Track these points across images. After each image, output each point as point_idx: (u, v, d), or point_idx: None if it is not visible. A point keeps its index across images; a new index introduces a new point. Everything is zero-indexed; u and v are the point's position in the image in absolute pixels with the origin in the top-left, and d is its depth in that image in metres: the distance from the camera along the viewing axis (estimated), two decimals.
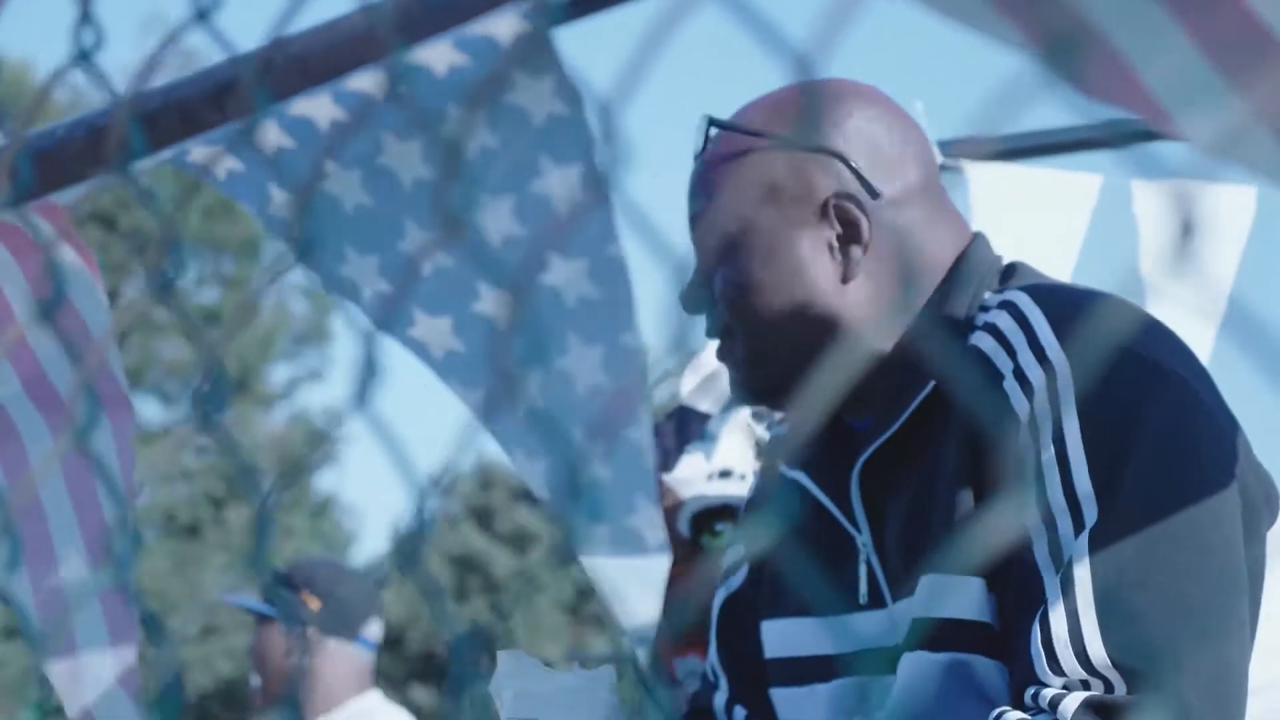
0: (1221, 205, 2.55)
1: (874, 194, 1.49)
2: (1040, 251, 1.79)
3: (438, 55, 1.35)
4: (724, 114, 1.55)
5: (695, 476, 1.87)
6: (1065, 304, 1.41)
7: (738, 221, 1.52)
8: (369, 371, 0.93)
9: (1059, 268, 2.32)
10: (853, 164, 1.49)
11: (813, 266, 1.49)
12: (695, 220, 1.55)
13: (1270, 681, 1.38)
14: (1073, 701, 1.28)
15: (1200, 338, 2.43)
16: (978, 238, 1.54)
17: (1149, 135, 2.61)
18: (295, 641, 3.52)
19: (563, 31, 1.31)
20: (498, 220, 1.40)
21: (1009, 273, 1.51)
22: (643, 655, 1.89)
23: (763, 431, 1.87)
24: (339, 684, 3.52)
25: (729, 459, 1.87)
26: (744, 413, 1.89)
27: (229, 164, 1.47)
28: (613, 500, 1.37)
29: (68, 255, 1.74)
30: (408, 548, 0.87)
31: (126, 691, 1.73)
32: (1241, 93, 0.78)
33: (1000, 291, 1.46)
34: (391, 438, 0.93)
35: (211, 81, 1.43)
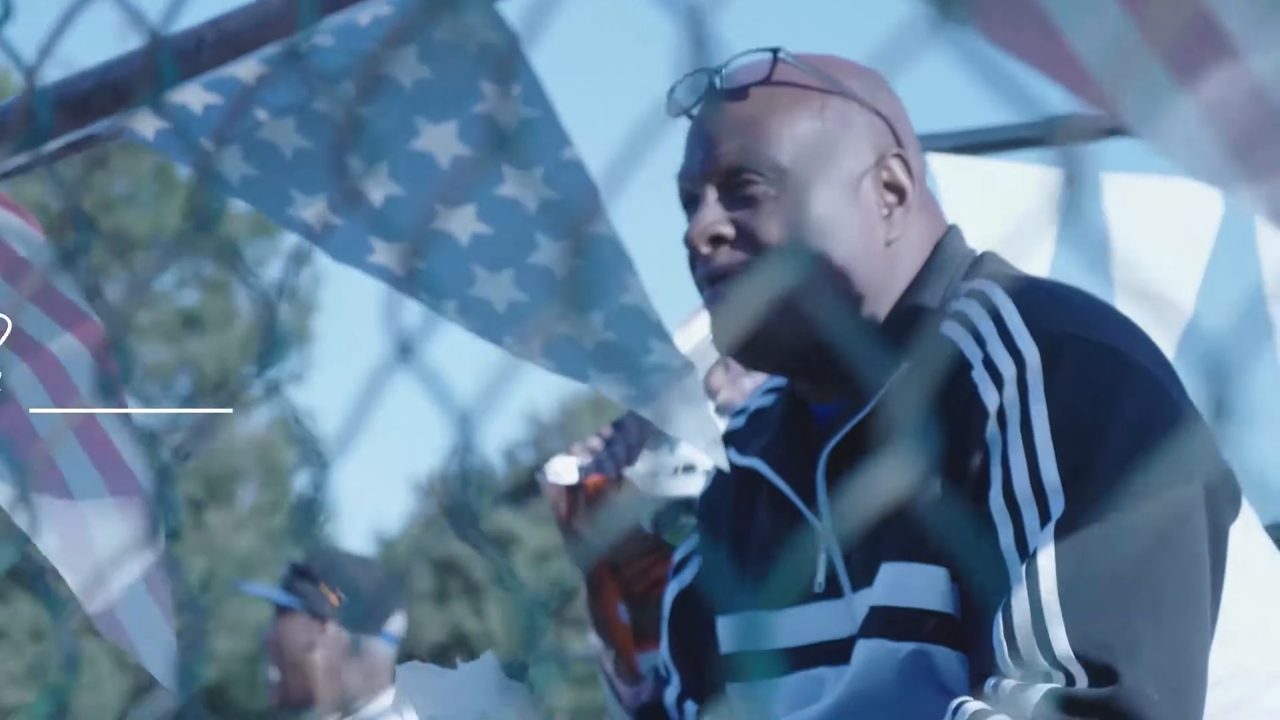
0: (1188, 200, 2.56)
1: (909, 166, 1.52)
2: (1001, 245, 1.79)
3: (363, 10, 1.41)
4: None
5: (659, 471, 1.87)
6: (1036, 296, 1.41)
7: (793, 163, 1.47)
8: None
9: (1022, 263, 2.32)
10: (898, 132, 1.51)
11: (867, 223, 1.49)
12: (738, 146, 1.48)
13: (1232, 673, 1.38)
14: (1034, 694, 1.27)
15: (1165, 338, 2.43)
16: (953, 229, 1.54)
17: (1113, 131, 2.61)
18: (316, 635, 3.48)
19: None
20: (444, 144, 1.43)
21: (978, 263, 1.51)
22: (606, 653, 1.89)
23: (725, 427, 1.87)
24: (357, 682, 3.47)
25: (693, 454, 1.87)
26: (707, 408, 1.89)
27: (157, 124, 1.49)
28: (624, 352, 1.38)
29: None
30: (459, 498, 0.85)
31: (154, 599, 1.73)
32: (1177, 77, 0.78)
33: (970, 281, 1.46)
34: (438, 386, 0.91)
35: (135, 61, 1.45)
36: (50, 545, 1.76)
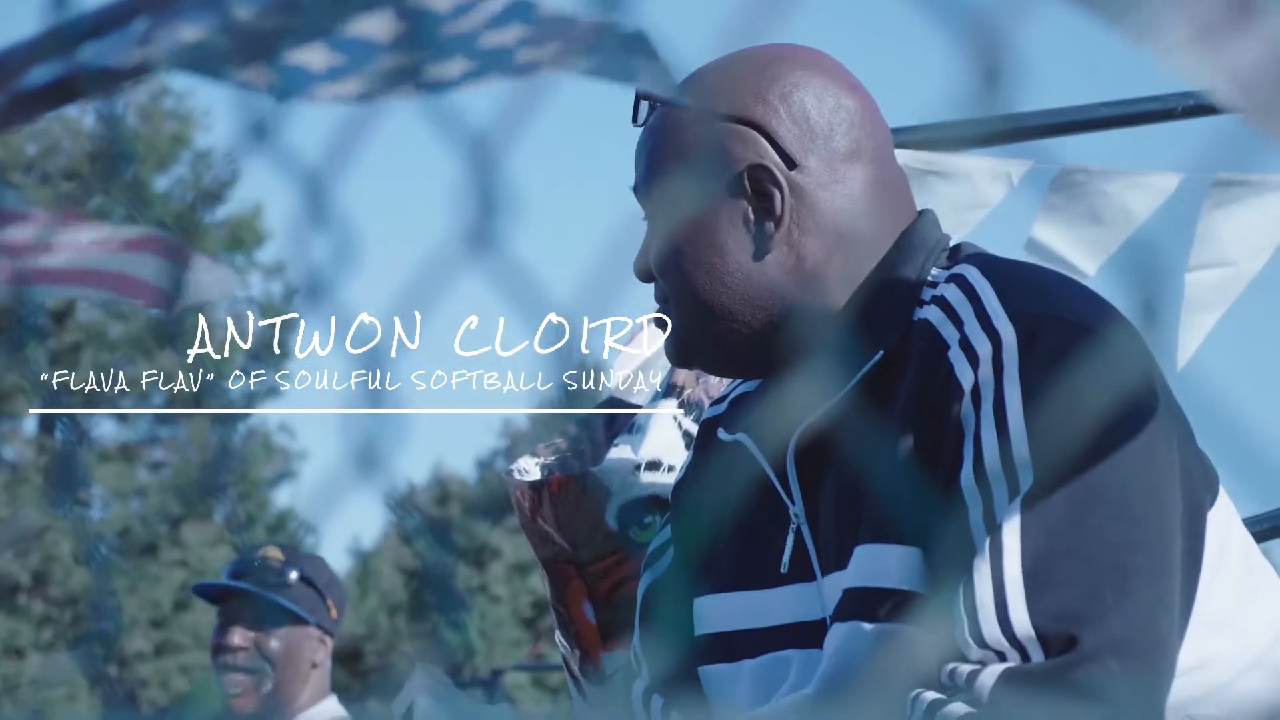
0: (1135, 188, 2.58)
1: (791, 164, 1.48)
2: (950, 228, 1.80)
3: None
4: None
5: (623, 469, 1.85)
6: (1013, 277, 1.41)
7: (662, 192, 1.53)
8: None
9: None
10: (771, 134, 1.48)
11: (729, 239, 1.49)
12: (635, 191, 1.57)
13: (1204, 660, 1.37)
14: (989, 676, 1.26)
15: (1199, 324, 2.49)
16: (924, 214, 1.53)
17: (1083, 126, 2.63)
18: (322, 650, 3.44)
19: None
20: None
21: (956, 252, 1.50)
22: (572, 653, 1.88)
23: (691, 424, 1.86)
24: (324, 684, 3.47)
25: (657, 450, 1.86)
26: (672, 404, 1.88)
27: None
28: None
29: None
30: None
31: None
32: None
33: (949, 267, 1.45)
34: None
35: None
36: None
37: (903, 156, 2.55)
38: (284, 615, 3.43)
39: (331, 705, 3.46)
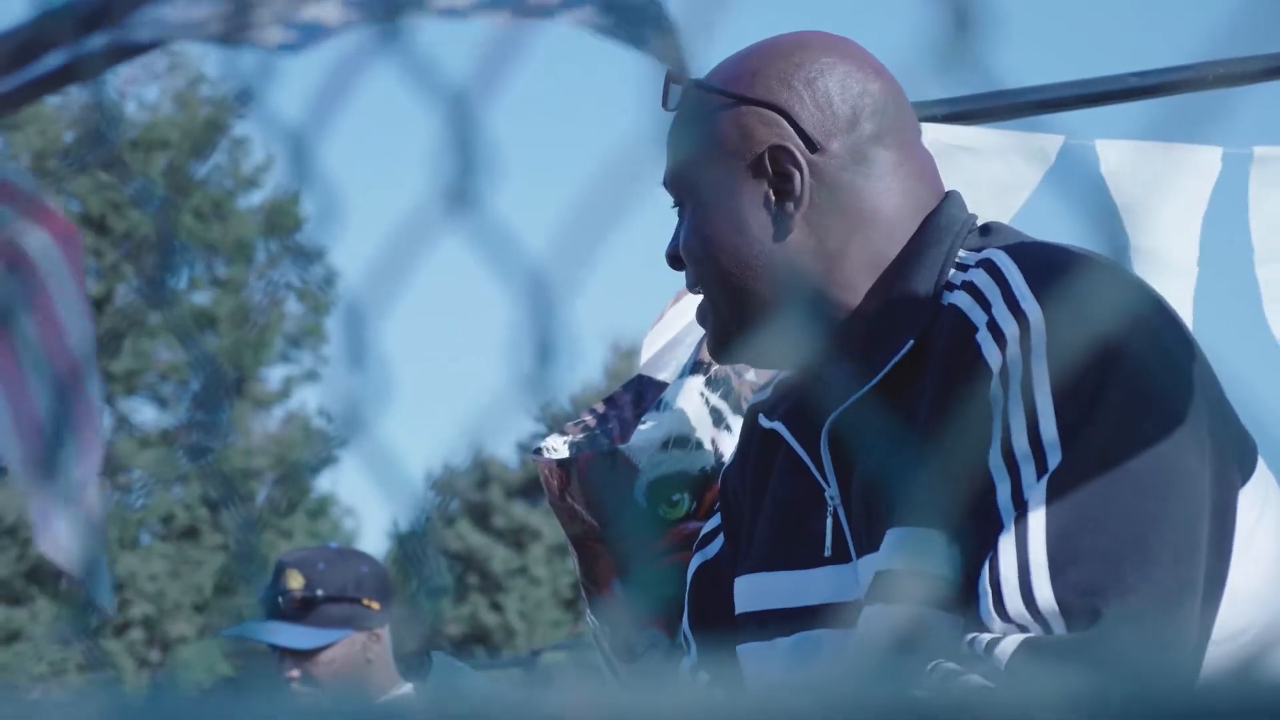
0: (1186, 166, 2.54)
1: (814, 148, 1.49)
2: (996, 212, 1.78)
3: None
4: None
5: (651, 445, 1.86)
6: (1042, 257, 1.40)
7: (688, 177, 1.55)
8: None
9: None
10: (794, 117, 1.50)
11: (751, 221, 1.50)
12: (664, 183, 1.58)
13: (1233, 634, 1.36)
14: (1010, 644, 1.26)
15: (1179, 297, 2.43)
16: (950, 195, 1.53)
17: (1114, 96, 2.60)
18: (373, 646, 3.41)
19: None
20: None
21: (985, 232, 1.50)
22: (602, 630, 1.88)
23: (718, 400, 1.85)
24: (390, 671, 3.44)
25: (684, 427, 1.86)
26: (698, 381, 1.88)
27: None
28: None
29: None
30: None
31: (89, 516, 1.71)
32: None
33: (978, 250, 1.45)
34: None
35: None
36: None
37: (932, 132, 2.54)
38: (318, 642, 3.42)
39: (400, 693, 3.43)
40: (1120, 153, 2.52)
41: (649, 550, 1.88)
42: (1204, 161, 2.56)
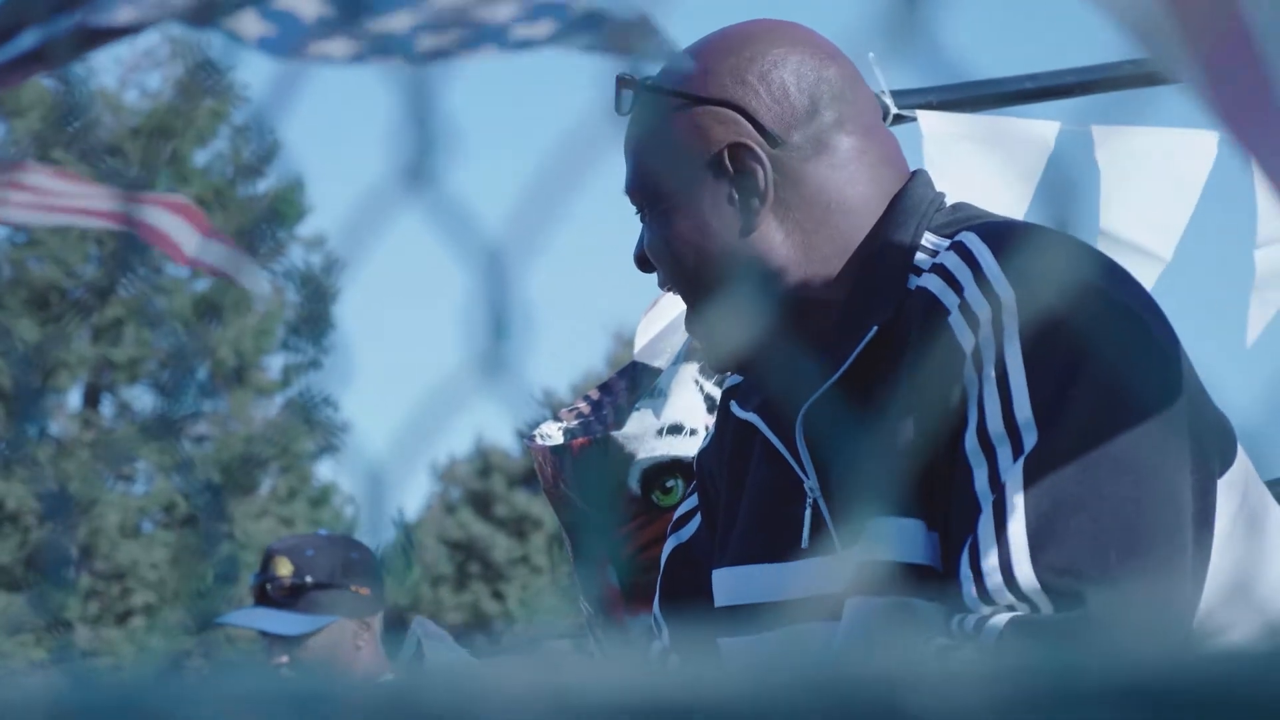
0: (1181, 150, 2.54)
1: (775, 142, 1.48)
2: (993, 199, 1.78)
3: None
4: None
5: (645, 432, 1.86)
6: (1013, 238, 1.40)
7: (647, 180, 1.53)
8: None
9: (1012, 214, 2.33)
10: (751, 114, 1.48)
11: (715, 220, 1.49)
12: (626, 189, 1.56)
13: (1217, 627, 1.37)
14: (998, 622, 1.26)
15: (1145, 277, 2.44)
16: (917, 175, 1.52)
17: (1105, 84, 2.61)
18: (362, 633, 3.42)
19: None
20: None
21: (953, 211, 1.49)
22: (595, 617, 1.88)
23: (712, 387, 1.86)
24: (380, 658, 3.44)
25: (679, 414, 1.86)
26: (693, 368, 1.88)
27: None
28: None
29: None
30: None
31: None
32: None
33: (948, 233, 1.45)
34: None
35: None
36: None
37: (932, 121, 2.54)
38: (307, 628, 3.43)
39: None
40: (1117, 138, 2.53)
41: (642, 537, 1.88)
42: (1201, 144, 2.56)
